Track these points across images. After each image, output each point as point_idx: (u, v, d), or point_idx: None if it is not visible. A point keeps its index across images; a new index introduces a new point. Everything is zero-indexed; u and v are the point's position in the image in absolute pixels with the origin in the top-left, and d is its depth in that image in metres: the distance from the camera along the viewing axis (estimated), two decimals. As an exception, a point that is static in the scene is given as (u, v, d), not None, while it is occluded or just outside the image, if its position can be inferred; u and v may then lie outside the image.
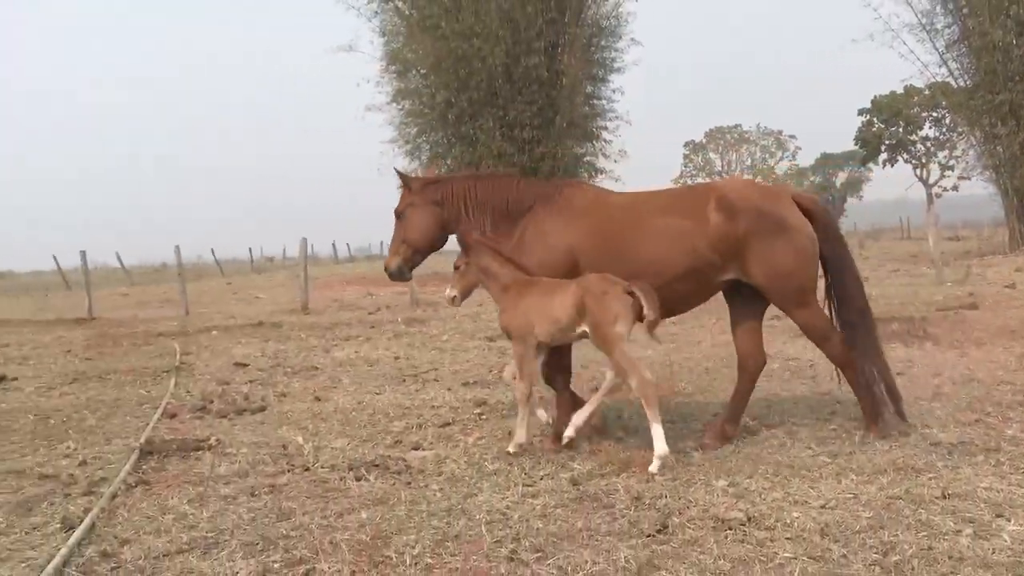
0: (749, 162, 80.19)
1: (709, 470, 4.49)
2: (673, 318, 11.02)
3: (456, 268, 5.19)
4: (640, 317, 4.58)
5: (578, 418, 4.93)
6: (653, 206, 5.13)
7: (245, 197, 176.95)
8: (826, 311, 5.08)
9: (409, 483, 4.47)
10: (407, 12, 27.15)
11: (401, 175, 5.74)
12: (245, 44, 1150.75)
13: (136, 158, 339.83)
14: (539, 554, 3.44)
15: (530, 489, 4.27)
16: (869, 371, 5.00)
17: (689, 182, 79.26)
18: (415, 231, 5.61)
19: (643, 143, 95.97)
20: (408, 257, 5.63)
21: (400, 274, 5.62)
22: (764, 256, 4.88)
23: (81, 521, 3.97)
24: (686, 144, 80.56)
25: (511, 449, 4.93)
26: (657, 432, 4.48)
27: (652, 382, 4.57)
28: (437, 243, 5.72)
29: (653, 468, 4.42)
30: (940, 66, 27.41)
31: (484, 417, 6.09)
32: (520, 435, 4.97)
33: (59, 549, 3.63)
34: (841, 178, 76.18)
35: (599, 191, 5.56)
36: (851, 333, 5.00)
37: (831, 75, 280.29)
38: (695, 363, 8.05)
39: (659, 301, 4.60)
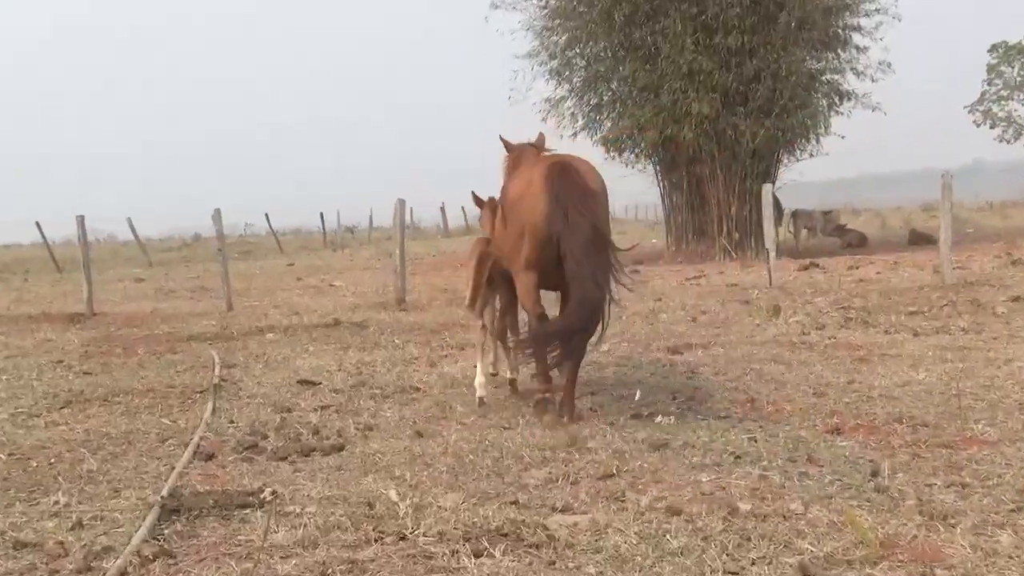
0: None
1: (1026, 563, 4.22)
2: (963, 323, 10.70)
3: None
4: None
5: None
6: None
7: (314, 147, 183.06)
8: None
9: (552, 563, 4.47)
10: None
11: (503, 140, 8.68)
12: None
13: (163, 91, 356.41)
14: None
15: (735, 580, 4.18)
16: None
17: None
18: None
19: (924, 50, 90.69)
20: None
21: None
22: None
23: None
24: (992, 48, 73.74)
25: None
26: None
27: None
28: None
29: None
30: None
31: (665, 466, 6.02)
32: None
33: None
34: None
35: (535, 157, 8.19)
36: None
37: None
38: (1002, 393, 7.64)
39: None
